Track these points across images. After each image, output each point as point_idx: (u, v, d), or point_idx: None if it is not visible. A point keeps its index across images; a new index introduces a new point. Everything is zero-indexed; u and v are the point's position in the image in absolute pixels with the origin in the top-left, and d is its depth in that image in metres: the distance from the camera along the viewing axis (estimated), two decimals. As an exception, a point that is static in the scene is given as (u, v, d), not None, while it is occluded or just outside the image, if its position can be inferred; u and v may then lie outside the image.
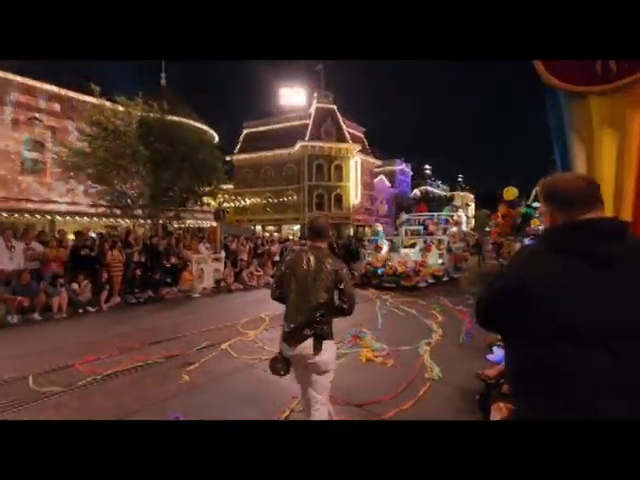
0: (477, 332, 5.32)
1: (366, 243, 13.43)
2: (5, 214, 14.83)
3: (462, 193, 65.96)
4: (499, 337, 4.01)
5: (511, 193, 16.40)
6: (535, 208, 16.66)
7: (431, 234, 13.21)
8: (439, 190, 54.52)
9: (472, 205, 68.49)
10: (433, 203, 32.80)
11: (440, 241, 12.31)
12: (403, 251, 11.90)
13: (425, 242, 11.93)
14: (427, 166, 58.92)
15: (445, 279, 11.20)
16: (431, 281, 10.42)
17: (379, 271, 10.26)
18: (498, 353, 3.90)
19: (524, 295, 1.09)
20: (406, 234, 13.89)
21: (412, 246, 12.38)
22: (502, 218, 15.99)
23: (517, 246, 19.31)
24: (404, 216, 16.07)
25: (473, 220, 60.45)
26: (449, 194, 53.90)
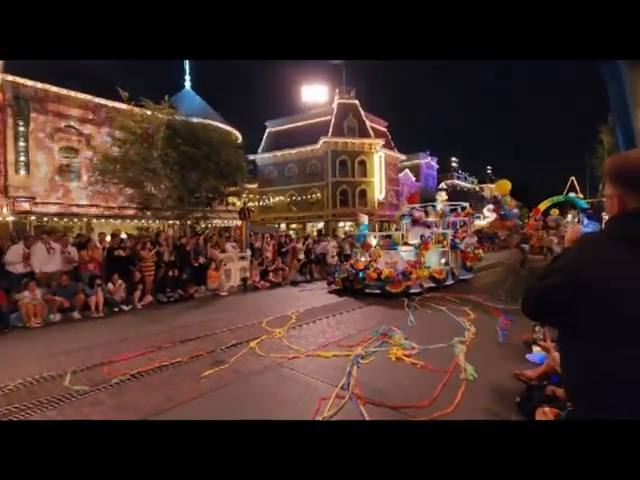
0: (513, 330, 5.07)
1: (354, 241, 10.99)
2: (46, 218, 15.73)
3: (492, 185, 63.44)
4: (538, 336, 3.79)
5: (502, 187, 14.63)
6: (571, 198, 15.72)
7: (426, 227, 10.60)
8: (467, 183, 52.76)
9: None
10: (461, 196, 31.61)
11: (443, 236, 10.21)
12: (400, 249, 9.78)
13: (422, 238, 9.51)
14: (454, 158, 57.16)
15: (449, 282, 9.29)
16: (429, 285, 8.64)
17: (360, 274, 8.47)
18: (539, 353, 3.67)
19: (587, 291, 0.98)
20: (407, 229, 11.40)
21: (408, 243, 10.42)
22: (499, 219, 14.92)
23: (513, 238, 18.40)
24: (404, 208, 13.32)
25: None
26: (477, 187, 52.09)
